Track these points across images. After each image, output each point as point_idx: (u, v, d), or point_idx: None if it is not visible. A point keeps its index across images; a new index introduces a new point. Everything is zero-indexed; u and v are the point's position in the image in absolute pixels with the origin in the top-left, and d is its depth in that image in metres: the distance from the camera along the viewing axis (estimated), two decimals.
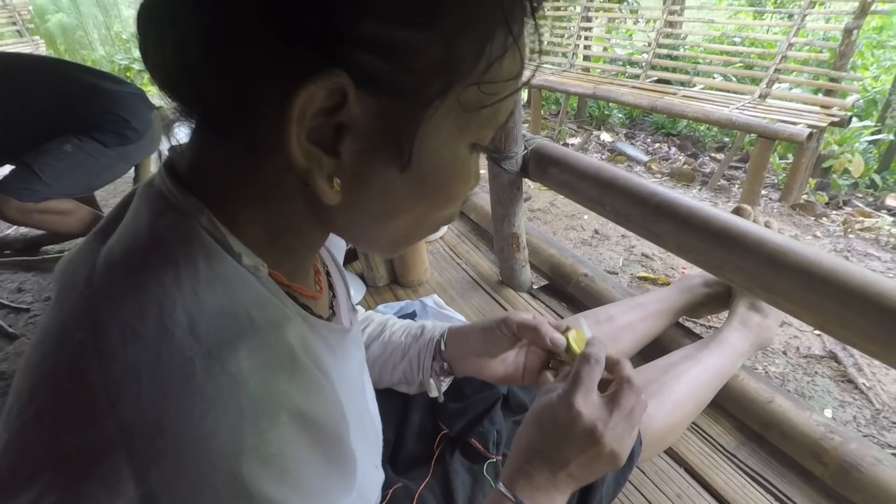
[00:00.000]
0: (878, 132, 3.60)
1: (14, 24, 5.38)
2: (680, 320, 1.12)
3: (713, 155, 3.91)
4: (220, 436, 0.24)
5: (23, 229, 2.13)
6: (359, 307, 0.79)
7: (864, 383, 1.64)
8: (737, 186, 3.32)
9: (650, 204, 0.85)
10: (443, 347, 0.68)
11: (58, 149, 1.68)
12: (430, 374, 0.68)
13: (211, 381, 0.25)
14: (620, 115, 4.74)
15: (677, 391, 0.86)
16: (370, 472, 0.46)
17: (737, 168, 3.59)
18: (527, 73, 0.34)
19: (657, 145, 4.17)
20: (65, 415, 0.24)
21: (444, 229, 1.60)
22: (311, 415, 0.28)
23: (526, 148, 1.09)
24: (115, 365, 0.25)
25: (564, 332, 0.61)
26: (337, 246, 0.56)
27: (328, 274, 0.49)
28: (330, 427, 0.30)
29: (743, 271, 0.74)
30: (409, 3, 0.27)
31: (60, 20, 6.70)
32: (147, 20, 0.30)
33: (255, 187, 0.32)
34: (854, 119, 3.15)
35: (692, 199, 0.84)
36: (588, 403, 0.47)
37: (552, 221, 2.74)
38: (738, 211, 1.06)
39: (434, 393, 0.71)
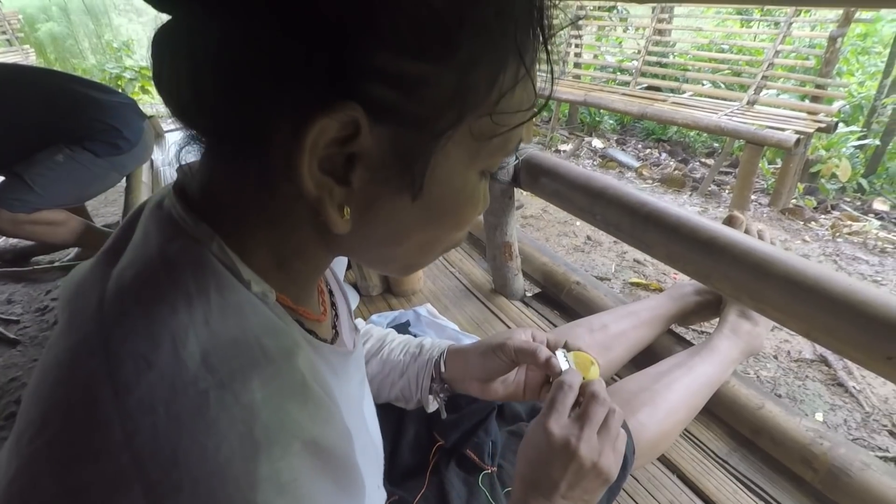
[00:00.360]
0: (864, 137, 3.65)
1: (3, 33, 5.36)
2: (671, 327, 1.13)
3: (703, 160, 3.95)
4: (235, 466, 0.24)
5: (12, 240, 2.11)
6: (359, 320, 0.79)
7: (853, 387, 1.66)
8: (727, 192, 3.36)
9: (640, 213, 0.86)
10: (442, 369, 0.69)
11: (49, 159, 1.67)
12: (428, 393, 0.69)
13: (224, 412, 0.25)
14: (611, 122, 4.78)
15: (669, 399, 0.87)
16: (373, 493, 0.47)
17: (727, 173, 3.63)
18: (541, 101, 0.34)
19: (648, 151, 4.21)
20: (78, 446, 0.24)
21: None
22: (323, 442, 0.28)
23: (517, 157, 1.11)
24: (129, 397, 0.25)
25: (563, 348, 0.62)
26: (338, 262, 0.57)
27: (331, 293, 0.50)
28: (340, 454, 0.30)
29: (730, 280, 0.75)
30: (424, 36, 0.27)
31: (51, 29, 6.68)
32: (162, 46, 0.30)
33: (265, 214, 0.32)
34: (840, 124, 3.20)
35: (682, 207, 0.85)
36: (559, 424, 0.51)
37: (545, 228, 2.76)
38: (730, 220, 1.07)
39: (432, 408, 0.71)
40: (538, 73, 0.33)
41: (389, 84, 0.28)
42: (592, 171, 1.02)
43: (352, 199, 0.31)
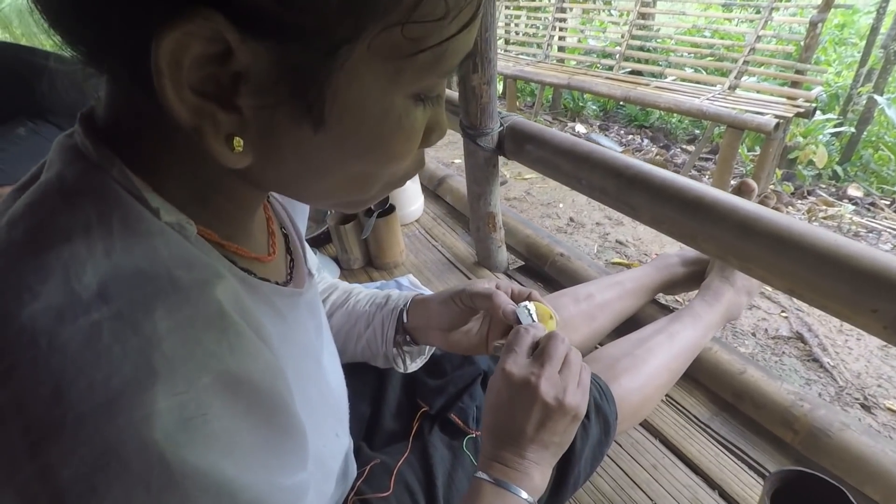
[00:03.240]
0: (840, 125, 3.73)
1: None
2: (655, 297, 1.13)
3: (684, 147, 3.99)
4: (126, 400, 0.21)
5: None
6: (325, 274, 0.77)
7: (828, 362, 1.69)
8: (707, 177, 3.39)
9: (625, 176, 0.85)
10: (405, 318, 0.66)
11: (10, 133, 1.60)
12: (393, 346, 0.67)
13: (118, 343, 0.22)
14: (594, 108, 4.79)
15: (651, 364, 0.86)
16: (330, 441, 0.44)
17: (707, 159, 3.67)
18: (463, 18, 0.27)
19: (630, 137, 4.24)
20: None
21: (418, 211, 1.58)
22: (245, 377, 0.25)
23: (502, 125, 1.08)
24: (8, 329, 0.22)
25: (526, 299, 0.61)
26: (300, 210, 0.54)
27: (286, 237, 0.47)
28: (266, 389, 0.27)
29: (716, 240, 0.74)
30: None
31: (16, 3, 6.40)
32: None
33: (167, 142, 0.29)
34: (818, 112, 3.25)
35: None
36: (518, 364, 0.49)
37: (528, 210, 2.74)
38: (740, 187, 0.99)
39: (401, 367, 0.69)
40: None
41: None
42: (576, 138, 1.00)
43: (245, 127, 0.26)
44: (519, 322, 0.56)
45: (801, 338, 1.81)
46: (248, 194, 0.34)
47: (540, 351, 0.51)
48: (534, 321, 0.56)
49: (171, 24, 0.22)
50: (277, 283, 0.38)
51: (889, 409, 1.53)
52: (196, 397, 0.23)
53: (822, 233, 0.66)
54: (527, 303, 0.58)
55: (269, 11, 0.23)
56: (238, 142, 0.27)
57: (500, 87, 5.24)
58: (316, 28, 0.24)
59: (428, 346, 0.71)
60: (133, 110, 0.28)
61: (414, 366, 0.71)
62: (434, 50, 0.27)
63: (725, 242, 0.73)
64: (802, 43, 3.03)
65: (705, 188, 0.77)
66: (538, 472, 0.48)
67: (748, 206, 0.72)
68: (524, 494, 0.47)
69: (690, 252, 1.11)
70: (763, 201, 0.95)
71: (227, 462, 0.23)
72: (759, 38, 3.20)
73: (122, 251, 0.25)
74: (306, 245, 0.53)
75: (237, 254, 0.34)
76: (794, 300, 1.52)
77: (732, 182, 3.17)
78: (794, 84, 3.08)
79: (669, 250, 1.69)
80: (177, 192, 0.30)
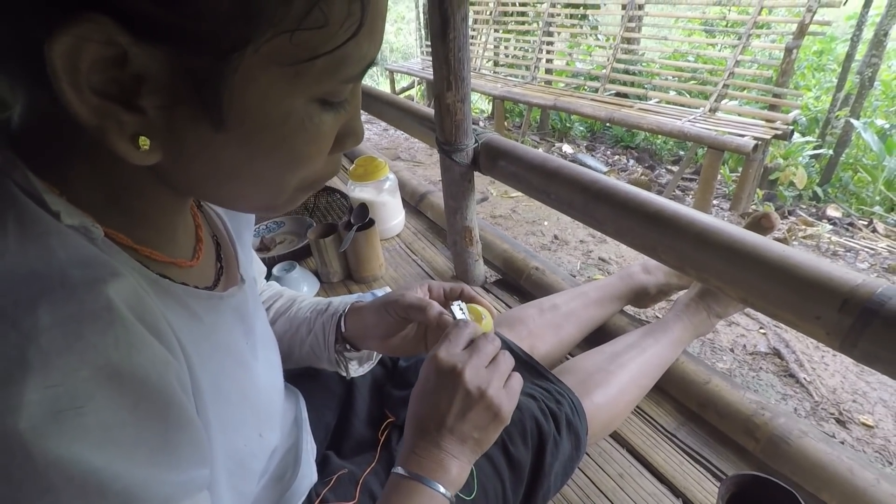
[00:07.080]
0: (819, 147, 3.82)
1: None
2: (626, 309, 1.15)
3: (669, 167, 4.07)
4: None
5: None
6: (272, 283, 0.79)
7: (804, 378, 1.71)
8: (690, 196, 3.46)
9: (591, 191, 0.88)
10: (342, 326, 0.67)
11: None
12: (335, 352, 0.68)
13: None
14: (581, 128, 4.88)
15: (623, 380, 0.88)
16: (251, 441, 0.45)
17: (691, 180, 3.73)
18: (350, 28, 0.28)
19: (616, 157, 4.31)
20: None
21: (399, 226, 1.60)
22: (130, 370, 0.26)
23: (477, 141, 1.11)
24: None
25: (458, 296, 0.63)
26: (244, 221, 0.55)
27: (220, 245, 0.48)
28: (156, 385, 0.28)
29: (675, 251, 0.77)
30: None
31: None
32: None
33: (77, 145, 0.30)
34: (797, 134, 3.33)
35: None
36: (448, 352, 0.50)
37: (513, 227, 2.78)
38: (759, 220, 0.96)
39: (344, 373, 0.70)
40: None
41: None
42: (548, 154, 1.03)
43: (152, 127, 0.28)
44: None
45: (778, 353, 1.84)
46: (166, 197, 0.36)
47: (470, 345, 0.52)
48: (465, 318, 0.58)
49: (62, 28, 0.23)
50: (197, 287, 0.39)
51: (864, 424, 1.56)
52: (71, 390, 0.24)
53: (772, 244, 0.68)
54: (459, 302, 0.60)
55: (158, 17, 0.24)
56: (144, 140, 0.28)
57: (489, 108, 5.33)
58: (206, 34, 0.25)
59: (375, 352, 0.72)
60: (42, 114, 0.30)
61: (361, 370, 0.72)
62: (328, 57, 0.28)
63: (683, 253, 0.76)
64: (780, 68, 3.13)
65: (665, 202, 0.80)
66: (455, 465, 0.48)
67: (705, 218, 0.75)
68: (441, 489, 0.47)
69: (651, 259, 1.14)
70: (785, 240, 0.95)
71: (98, 453, 0.24)
72: (737, 63, 3.30)
73: (15, 253, 0.26)
74: (251, 254, 0.55)
75: (150, 257, 0.35)
76: None
77: (714, 201, 3.23)
78: (773, 107, 3.17)
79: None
80: (88, 195, 0.31)
